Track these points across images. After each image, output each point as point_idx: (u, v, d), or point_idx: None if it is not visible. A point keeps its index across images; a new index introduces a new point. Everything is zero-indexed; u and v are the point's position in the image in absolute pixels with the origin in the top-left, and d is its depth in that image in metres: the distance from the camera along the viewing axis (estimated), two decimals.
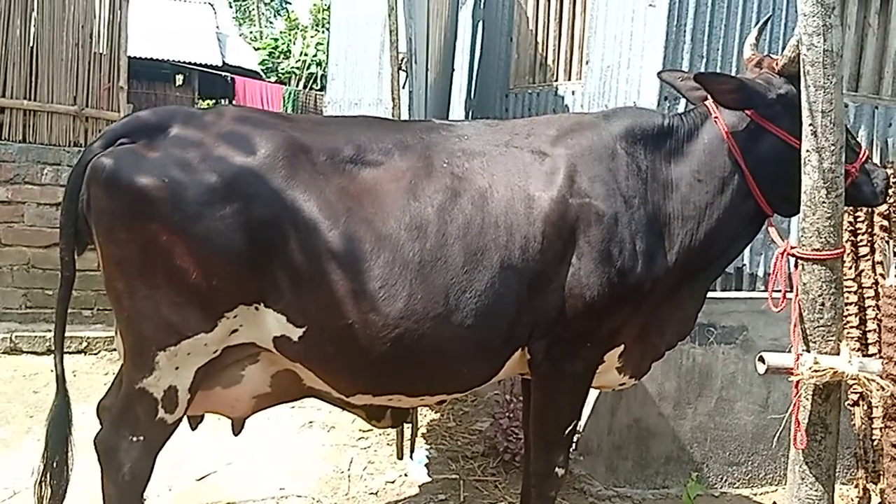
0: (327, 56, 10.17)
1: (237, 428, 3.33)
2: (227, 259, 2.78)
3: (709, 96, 3.19)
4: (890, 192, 4.90)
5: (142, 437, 2.97)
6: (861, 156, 3.19)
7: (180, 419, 3.02)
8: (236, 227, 2.77)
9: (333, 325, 2.87)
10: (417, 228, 2.90)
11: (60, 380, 3.12)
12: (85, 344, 6.76)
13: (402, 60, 4.60)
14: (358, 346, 2.89)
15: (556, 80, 6.27)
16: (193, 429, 3.36)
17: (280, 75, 28.46)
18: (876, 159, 5.03)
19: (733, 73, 3.85)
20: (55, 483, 3.11)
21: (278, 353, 2.98)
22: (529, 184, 3.05)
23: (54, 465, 3.10)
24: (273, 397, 3.22)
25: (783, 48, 3.25)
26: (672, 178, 3.19)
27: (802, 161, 2.90)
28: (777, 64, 3.17)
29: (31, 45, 7.16)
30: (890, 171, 4.97)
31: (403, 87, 4.65)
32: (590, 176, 3.07)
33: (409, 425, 4.64)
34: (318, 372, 3.03)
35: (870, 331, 4.56)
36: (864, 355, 4.37)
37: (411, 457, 4.72)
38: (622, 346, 3.27)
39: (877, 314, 4.41)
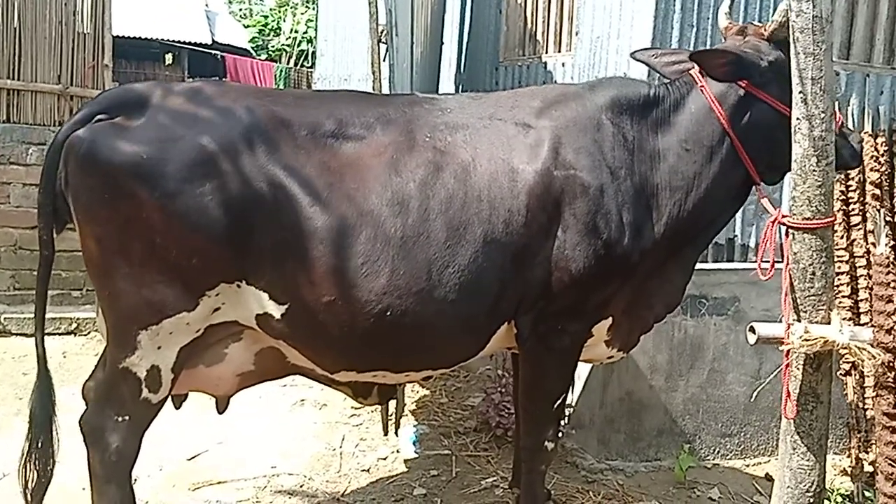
0: (316, 32, 10.05)
1: (222, 406, 3.32)
2: (208, 236, 2.74)
3: (693, 67, 3.16)
4: (883, 160, 4.91)
5: (127, 417, 2.95)
6: (836, 121, 3.16)
7: (165, 398, 3.01)
8: (216, 203, 2.73)
9: (316, 301, 2.84)
10: (399, 203, 2.86)
11: (42, 360, 3.09)
12: (74, 325, 6.73)
13: (381, 33, 4.53)
14: (341, 322, 2.87)
15: (546, 52, 6.18)
16: (177, 407, 3.34)
17: (270, 53, 28.15)
18: (868, 128, 4.98)
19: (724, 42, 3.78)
20: (41, 465, 3.08)
21: (261, 330, 2.95)
22: (513, 156, 3.01)
23: (39, 446, 3.08)
24: (257, 375, 3.20)
25: (773, 15, 3.20)
26: (659, 149, 3.15)
27: (792, 129, 2.85)
28: (765, 30, 3.12)
29: (13, 24, 7.06)
30: (882, 140, 4.98)
31: (384, 60, 4.59)
32: (575, 147, 3.03)
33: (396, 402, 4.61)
34: (301, 349, 3.01)
35: (861, 300, 4.56)
36: (856, 324, 4.36)
37: (396, 434, 4.70)
38: (610, 319, 3.25)
39: (868, 283, 4.40)
